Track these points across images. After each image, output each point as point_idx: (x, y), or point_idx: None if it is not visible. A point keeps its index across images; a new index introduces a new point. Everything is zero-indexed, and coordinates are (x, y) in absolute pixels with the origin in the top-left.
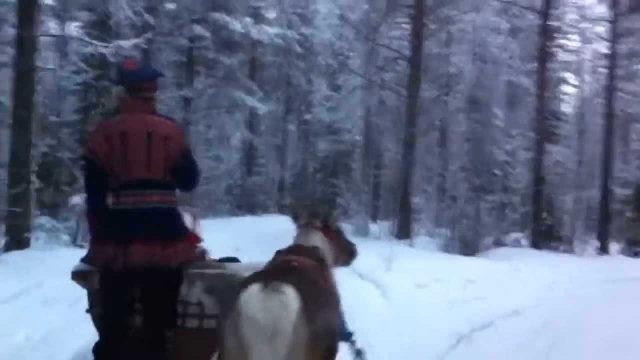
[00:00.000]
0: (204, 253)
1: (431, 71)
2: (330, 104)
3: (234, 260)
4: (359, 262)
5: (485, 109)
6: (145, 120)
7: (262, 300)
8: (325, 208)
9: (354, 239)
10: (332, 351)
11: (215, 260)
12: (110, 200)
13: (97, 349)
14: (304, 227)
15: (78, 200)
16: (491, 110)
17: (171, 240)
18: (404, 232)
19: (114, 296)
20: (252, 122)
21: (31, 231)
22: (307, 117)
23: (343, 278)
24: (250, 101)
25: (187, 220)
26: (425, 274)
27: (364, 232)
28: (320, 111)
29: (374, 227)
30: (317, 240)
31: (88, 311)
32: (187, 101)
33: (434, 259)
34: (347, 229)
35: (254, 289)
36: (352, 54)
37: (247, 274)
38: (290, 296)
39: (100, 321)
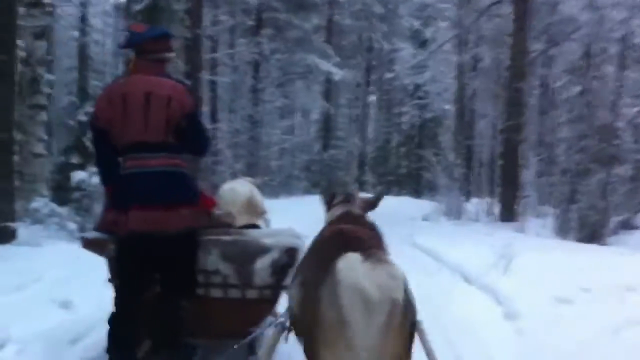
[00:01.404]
0: (213, 217)
1: (536, 21)
2: (414, 64)
3: (254, 227)
4: (462, 259)
5: (601, 66)
6: (146, 81)
7: (366, 269)
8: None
9: (446, 222)
10: (414, 334)
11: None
12: (119, 166)
13: (112, 319)
14: (343, 204)
15: (83, 175)
16: (609, 67)
17: (173, 205)
18: (508, 213)
19: (124, 265)
20: (329, 91)
21: (15, 218)
22: (389, 77)
23: (445, 281)
24: (325, 65)
25: (243, 190)
26: (562, 278)
27: (457, 213)
28: (404, 75)
29: (468, 206)
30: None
31: (110, 280)
32: (255, 66)
33: (565, 251)
34: (438, 208)
35: (354, 257)
36: (442, 5)
37: (265, 240)
38: (397, 268)
39: (114, 292)
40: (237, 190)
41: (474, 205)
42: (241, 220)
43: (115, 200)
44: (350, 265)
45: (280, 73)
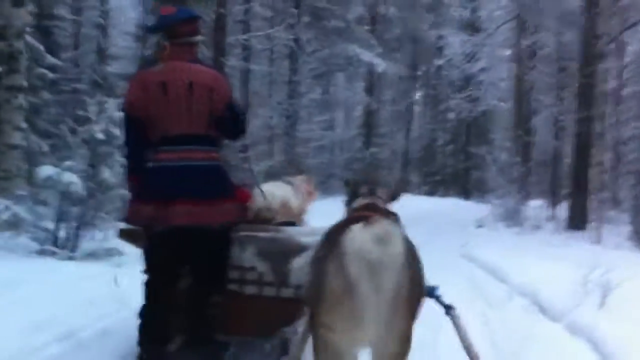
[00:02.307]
0: (253, 211)
1: None
2: (465, 52)
3: (292, 224)
4: (535, 281)
5: None
6: (187, 69)
7: (368, 233)
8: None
9: (504, 229)
10: (420, 306)
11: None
12: (151, 156)
13: (142, 313)
14: (366, 196)
15: (50, 171)
16: None
17: (215, 199)
18: (577, 220)
19: (158, 258)
20: (372, 85)
21: None
22: (437, 65)
23: (516, 314)
24: (368, 56)
25: (278, 193)
26: None
27: (515, 217)
28: (452, 66)
29: (528, 211)
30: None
31: (145, 272)
32: (291, 56)
33: None
34: (493, 212)
35: (356, 227)
36: None
37: (302, 239)
38: (396, 232)
39: (145, 284)
40: (272, 192)
41: (533, 209)
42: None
43: (151, 192)
44: (354, 235)
45: (319, 64)
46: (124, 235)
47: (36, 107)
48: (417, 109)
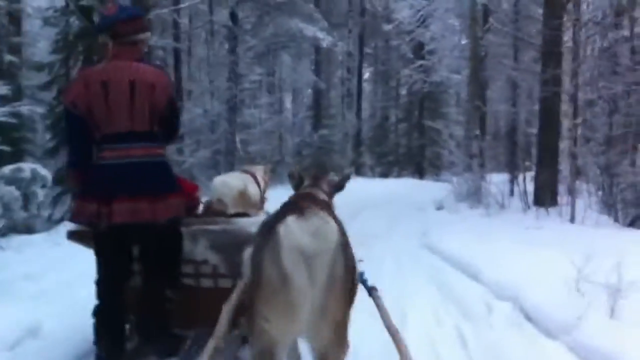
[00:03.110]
0: (198, 204)
1: None
2: (414, 17)
3: (244, 215)
4: (517, 280)
5: None
6: (128, 68)
7: (302, 224)
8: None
9: (468, 210)
10: (354, 293)
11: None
12: (94, 155)
13: (97, 312)
14: (309, 187)
15: None
16: None
17: (159, 195)
18: (545, 195)
19: (106, 257)
20: (319, 64)
21: None
22: (386, 30)
23: (500, 326)
24: (311, 30)
25: (235, 183)
26: None
27: (478, 196)
28: (401, 35)
29: (489, 187)
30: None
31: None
32: (229, 34)
33: None
34: (452, 192)
35: (290, 218)
36: None
37: (253, 229)
38: (329, 218)
39: (96, 283)
40: (229, 183)
41: (496, 185)
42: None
43: (94, 190)
44: (287, 224)
45: (260, 42)
46: (73, 237)
47: None
48: (367, 87)
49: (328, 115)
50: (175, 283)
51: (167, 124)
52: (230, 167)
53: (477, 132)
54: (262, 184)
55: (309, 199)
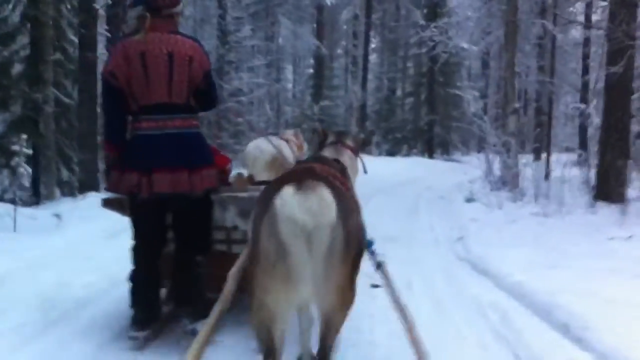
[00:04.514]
0: (228, 174)
1: None
2: None
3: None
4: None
5: None
6: (166, 40)
7: (299, 199)
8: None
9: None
10: (360, 258)
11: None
12: (131, 125)
13: (132, 277)
14: (333, 144)
15: None
16: None
17: (196, 167)
18: (611, 187)
19: (143, 225)
20: (321, 25)
21: None
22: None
23: None
24: None
25: (268, 148)
26: None
27: (513, 184)
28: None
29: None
30: (345, 155)
31: (132, 238)
32: None
33: None
34: (487, 176)
35: (288, 189)
36: None
37: None
38: (326, 194)
39: (132, 250)
40: (262, 148)
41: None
42: (265, 177)
43: (133, 161)
44: (285, 198)
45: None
46: (108, 204)
47: None
48: (373, 59)
49: (330, 85)
50: (207, 250)
51: (203, 96)
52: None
53: (517, 105)
54: (294, 148)
55: (319, 163)
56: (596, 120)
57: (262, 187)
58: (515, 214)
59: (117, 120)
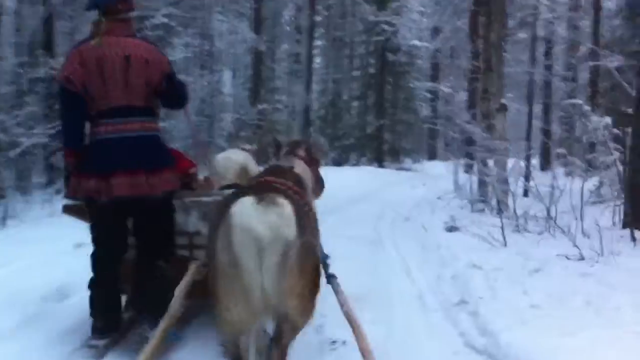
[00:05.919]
0: (193, 178)
1: None
2: None
3: (236, 186)
4: None
5: None
6: (123, 43)
7: (257, 211)
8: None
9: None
10: (318, 273)
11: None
12: (90, 131)
13: (91, 285)
14: (287, 155)
15: None
16: None
17: (155, 169)
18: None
19: (103, 230)
20: (259, 19)
21: None
22: None
23: None
24: None
25: (237, 158)
26: None
27: (503, 208)
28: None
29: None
30: (299, 166)
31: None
32: None
33: None
34: (456, 191)
35: (247, 201)
36: None
37: None
38: (287, 208)
39: (92, 257)
40: (231, 158)
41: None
42: None
43: (91, 166)
44: (243, 208)
45: None
46: (68, 211)
47: None
48: (318, 62)
49: (271, 88)
50: (170, 255)
51: (166, 96)
52: None
53: (503, 101)
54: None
55: (277, 175)
56: None
57: (226, 191)
58: (533, 255)
59: (74, 125)
